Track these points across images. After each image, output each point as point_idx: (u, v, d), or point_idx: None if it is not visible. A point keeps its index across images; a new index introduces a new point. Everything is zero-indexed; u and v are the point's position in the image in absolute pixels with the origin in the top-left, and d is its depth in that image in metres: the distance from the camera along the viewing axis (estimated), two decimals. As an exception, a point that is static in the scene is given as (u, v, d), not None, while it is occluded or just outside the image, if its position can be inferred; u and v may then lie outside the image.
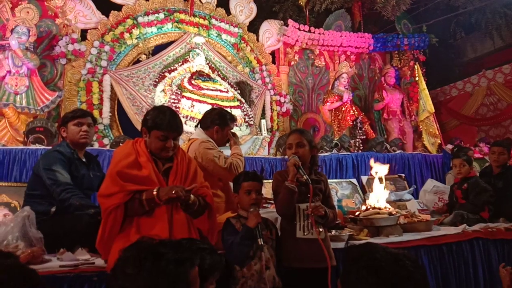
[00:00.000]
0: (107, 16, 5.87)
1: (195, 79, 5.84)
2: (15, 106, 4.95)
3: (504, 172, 4.04)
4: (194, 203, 2.18)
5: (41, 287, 1.17)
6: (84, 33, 5.75)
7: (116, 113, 5.75)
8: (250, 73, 6.91)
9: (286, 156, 2.45)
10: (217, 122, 3.01)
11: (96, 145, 5.12)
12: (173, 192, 2.03)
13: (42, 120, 4.91)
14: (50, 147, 3.63)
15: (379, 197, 3.20)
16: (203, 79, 5.90)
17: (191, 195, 2.14)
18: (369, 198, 3.31)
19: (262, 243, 2.06)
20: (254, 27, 7.23)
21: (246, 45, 6.87)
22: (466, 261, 2.93)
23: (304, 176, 2.22)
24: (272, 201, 2.89)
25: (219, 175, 2.82)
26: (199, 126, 3.12)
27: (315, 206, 2.21)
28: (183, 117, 5.24)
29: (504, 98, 7.74)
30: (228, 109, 5.66)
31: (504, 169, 4.06)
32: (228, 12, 6.83)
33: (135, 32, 5.93)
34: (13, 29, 5.05)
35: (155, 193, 2.05)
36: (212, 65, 6.42)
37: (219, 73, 6.44)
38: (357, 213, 3.20)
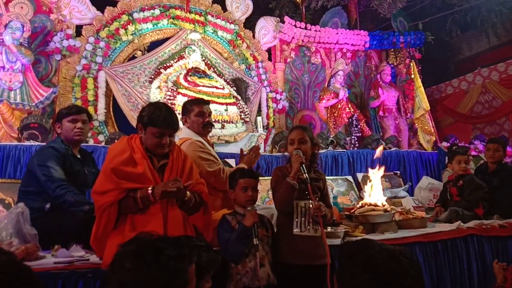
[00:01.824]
0: (102, 12, 5.82)
1: (191, 75, 5.81)
2: (9, 102, 4.91)
3: (499, 169, 4.04)
4: (190, 199, 2.17)
5: (35, 284, 1.17)
6: (79, 29, 5.70)
7: (111, 109, 5.71)
8: (246, 70, 6.89)
9: (287, 153, 2.43)
10: (182, 114, 3.05)
11: (91, 142, 5.09)
12: (170, 185, 2.01)
13: (37, 116, 4.89)
14: (44, 144, 3.60)
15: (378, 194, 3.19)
16: (199, 75, 5.87)
17: (187, 192, 2.13)
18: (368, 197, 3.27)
19: (257, 242, 2.06)
20: (250, 23, 7.20)
21: (242, 42, 6.85)
22: (460, 258, 2.94)
23: (305, 174, 2.21)
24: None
25: (205, 178, 2.60)
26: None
27: (316, 206, 2.20)
28: (179, 113, 5.20)
29: (498, 96, 7.77)
30: (224, 106, 5.70)
31: (499, 166, 4.06)
32: (224, 9, 6.80)
33: (131, 28, 5.89)
34: (7, 24, 4.99)
35: (150, 191, 2.03)
36: (208, 62, 6.39)
37: (215, 69, 6.41)
38: (352, 210, 3.20)
